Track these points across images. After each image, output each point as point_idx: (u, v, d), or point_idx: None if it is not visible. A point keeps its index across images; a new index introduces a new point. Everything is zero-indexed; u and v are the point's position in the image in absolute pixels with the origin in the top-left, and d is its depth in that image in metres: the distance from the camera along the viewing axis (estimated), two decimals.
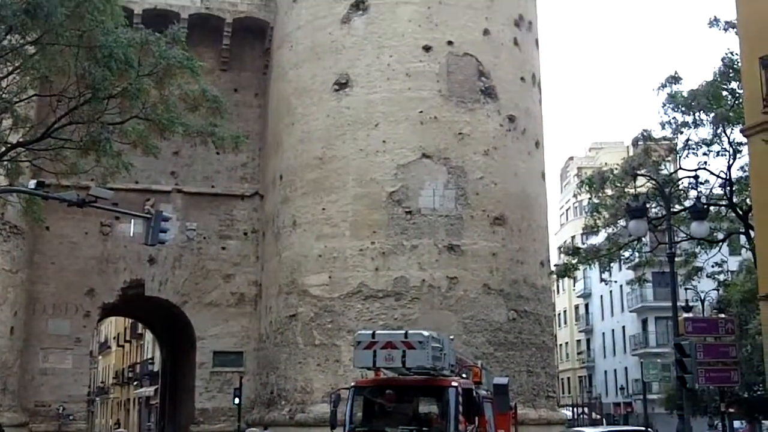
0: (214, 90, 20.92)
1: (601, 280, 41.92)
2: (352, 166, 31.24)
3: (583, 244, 43.27)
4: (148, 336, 65.31)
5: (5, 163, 20.32)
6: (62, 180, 22.19)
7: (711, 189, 29.29)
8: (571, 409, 65.67)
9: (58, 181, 22.33)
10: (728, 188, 27.88)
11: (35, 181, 20.18)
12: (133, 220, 30.60)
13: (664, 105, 28.77)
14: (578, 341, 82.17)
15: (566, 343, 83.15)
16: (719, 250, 32.37)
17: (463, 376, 18.24)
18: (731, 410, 34.44)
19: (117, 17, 18.42)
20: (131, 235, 32.55)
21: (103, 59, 17.20)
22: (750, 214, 26.01)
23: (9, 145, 19.72)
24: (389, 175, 30.81)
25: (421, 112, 31.15)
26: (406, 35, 31.85)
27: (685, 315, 30.33)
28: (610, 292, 69.26)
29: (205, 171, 36.03)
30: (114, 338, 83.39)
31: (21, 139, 20.50)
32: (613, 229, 31.13)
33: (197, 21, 35.06)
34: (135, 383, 73.52)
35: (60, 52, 18.13)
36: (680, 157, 29.49)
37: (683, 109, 28.38)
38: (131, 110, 18.96)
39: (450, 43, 31.91)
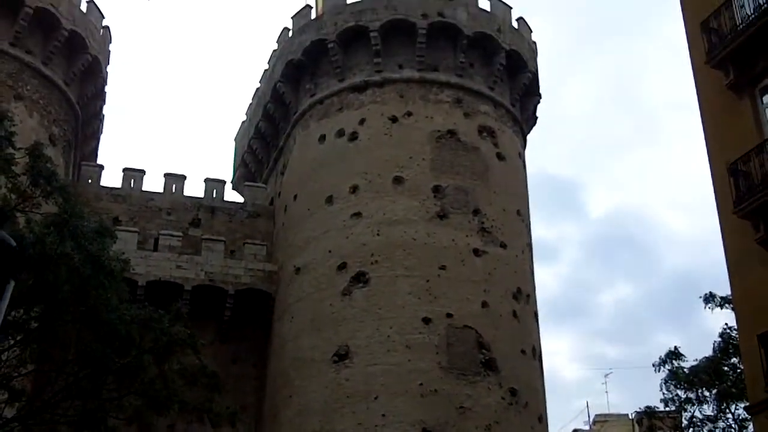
0: (213, 365, 20.87)
1: None
2: None
3: None
4: None
5: None
6: None
7: None
8: None
9: None
10: None
11: None
12: None
13: (666, 381, 28.68)
14: None
15: None
16: None
17: None
18: None
19: (122, 293, 18.70)
20: None
21: (106, 336, 17.28)
22: None
23: (3, 420, 19.37)
24: None
25: (421, 384, 30.77)
26: (406, 307, 32.06)
27: None
28: None
29: None
30: None
31: (15, 414, 20.16)
32: None
33: (200, 292, 35.51)
34: None
35: (62, 327, 18.25)
36: None
37: (685, 385, 28.26)
38: (129, 385, 18.82)
39: (449, 315, 32.02)
